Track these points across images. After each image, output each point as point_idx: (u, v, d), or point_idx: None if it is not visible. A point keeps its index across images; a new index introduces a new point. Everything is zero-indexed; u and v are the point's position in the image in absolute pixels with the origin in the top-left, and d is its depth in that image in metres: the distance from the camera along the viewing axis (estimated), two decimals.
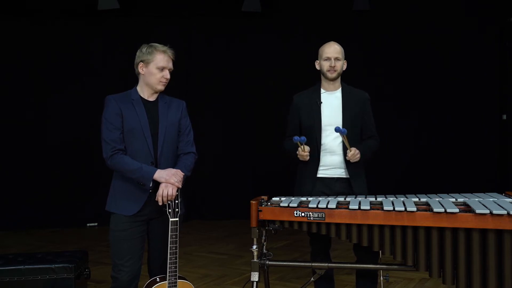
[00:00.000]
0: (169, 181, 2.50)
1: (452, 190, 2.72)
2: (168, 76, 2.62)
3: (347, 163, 2.92)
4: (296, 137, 2.79)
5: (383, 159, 4.54)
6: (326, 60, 2.95)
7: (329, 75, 2.95)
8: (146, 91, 2.65)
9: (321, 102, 2.99)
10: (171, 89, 2.78)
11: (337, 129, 2.75)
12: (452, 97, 6.11)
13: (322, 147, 2.95)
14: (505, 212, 2.15)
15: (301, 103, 3.05)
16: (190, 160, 2.70)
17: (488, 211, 2.17)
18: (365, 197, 2.64)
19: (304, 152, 2.84)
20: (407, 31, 6.12)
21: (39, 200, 6.13)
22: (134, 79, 2.70)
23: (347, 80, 3.07)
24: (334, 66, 2.93)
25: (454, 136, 6.10)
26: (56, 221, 6.16)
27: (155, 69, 2.58)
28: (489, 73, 6.02)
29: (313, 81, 3.10)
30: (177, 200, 2.53)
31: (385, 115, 4.17)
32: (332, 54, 2.93)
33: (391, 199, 2.53)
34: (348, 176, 2.93)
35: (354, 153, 2.81)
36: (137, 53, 2.63)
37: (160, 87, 2.63)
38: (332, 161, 2.94)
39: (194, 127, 2.82)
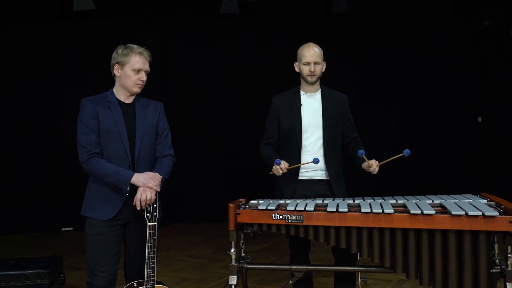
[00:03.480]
0: (147, 185, 2.47)
1: (429, 191, 2.75)
2: (144, 78, 2.59)
3: (328, 165, 2.94)
4: (277, 160, 2.79)
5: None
6: (305, 64, 2.96)
7: (309, 79, 2.97)
8: (122, 93, 2.62)
9: (301, 105, 3.00)
10: (149, 91, 2.76)
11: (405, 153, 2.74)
12: (429, 99, 6.18)
13: (303, 149, 2.95)
14: (480, 213, 2.18)
15: (281, 105, 3.05)
16: (168, 163, 2.68)
17: (463, 212, 2.20)
18: (343, 200, 2.66)
19: (280, 170, 2.82)
20: (384, 34, 6.16)
21: (12, 204, 6.02)
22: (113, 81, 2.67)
23: (325, 83, 3.10)
24: (314, 71, 2.94)
25: (431, 138, 6.16)
26: (30, 225, 6.06)
27: (130, 71, 2.55)
28: (465, 76, 6.10)
29: (293, 83, 3.11)
30: (155, 204, 2.50)
31: (363, 116, 4.22)
32: (311, 58, 2.94)
33: (369, 201, 2.54)
34: (328, 178, 2.94)
35: (376, 166, 2.81)
36: (113, 55, 2.59)
37: (136, 90, 2.60)
38: (306, 164, 2.92)
39: (172, 129, 2.80)
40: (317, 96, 3.03)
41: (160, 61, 5.94)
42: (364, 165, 2.85)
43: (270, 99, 3.10)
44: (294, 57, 3.04)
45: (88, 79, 5.97)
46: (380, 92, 6.26)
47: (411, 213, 2.26)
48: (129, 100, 2.64)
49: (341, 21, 6.13)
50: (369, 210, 2.33)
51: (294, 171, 2.93)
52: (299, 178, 2.95)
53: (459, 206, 2.31)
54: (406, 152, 2.72)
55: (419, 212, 2.26)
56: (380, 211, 2.31)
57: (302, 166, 2.93)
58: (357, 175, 3.35)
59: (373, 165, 2.81)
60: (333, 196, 2.89)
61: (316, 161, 2.82)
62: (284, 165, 2.83)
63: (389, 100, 6.27)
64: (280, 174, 2.85)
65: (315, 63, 2.94)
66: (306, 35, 5.20)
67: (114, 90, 2.64)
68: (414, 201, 2.50)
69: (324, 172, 2.96)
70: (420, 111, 6.20)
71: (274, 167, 2.85)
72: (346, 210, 2.37)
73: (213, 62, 6.52)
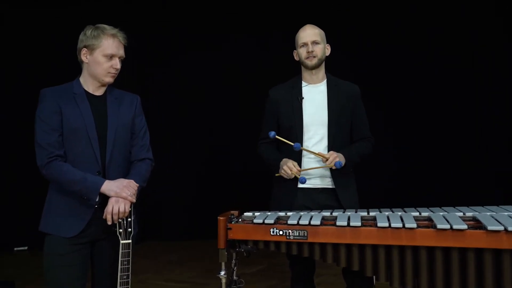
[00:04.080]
0: (120, 194, 2.45)
1: (453, 201, 2.74)
2: (118, 66, 2.56)
3: (334, 171, 2.91)
4: (297, 145, 2.79)
5: (369, 166, 4.60)
6: (302, 46, 2.97)
7: (308, 62, 2.95)
8: (91, 84, 2.58)
9: (303, 98, 2.97)
10: (122, 82, 2.73)
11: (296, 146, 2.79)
12: (451, 98, 6.26)
13: (304, 152, 2.92)
14: None
15: (279, 98, 3.03)
16: (146, 168, 2.66)
17: (502, 228, 2.16)
18: (356, 212, 2.62)
19: (292, 170, 2.81)
20: (383, 34, 6.35)
21: None
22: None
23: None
24: (313, 51, 2.93)
25: (451, 140, 6.25)
26: None
27: (101, 56, 2.51)
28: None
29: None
30: (130, 217, 2.48)
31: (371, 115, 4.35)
32: (308, 37, 2.94)
33: (387, 213, 2.51)
34: (334, 187, 2.92)
35: (332, 159, 2.81)
36: (80, 37, 2.55)
37: (108, 79, 2.56)
38: (316, 169, 2.91)
39: (151, 128, 2.77)
40: (322, 87, 3.01)
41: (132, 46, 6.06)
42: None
43: (264, 97, 3.11)
44: (291, 48, 3.08)
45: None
46: (380, 92, 6.32)
47: (438, 228, 2.22)
48: (99, 92, 2.60)
49: (340, 20, 6.23)
50: (387, 224, 2.29)
51: (293, 179, 2.89)
52: (299, 186, 2.93)
53: (496, 219, 2.26)
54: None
55: (448, 226, 2.21)
56: (401, 225, 2.28)
57: (303, 173, 2.89)
58: (366, 182, 3.35)
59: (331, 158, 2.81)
60: (341, 207, 2.87)
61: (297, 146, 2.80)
62: (296, 167, 2.81)
63: (401, 99, 6.38)
64: (292, 177, 2.82)
65: (314, 42, 2.94)
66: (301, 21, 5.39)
67: (81, 79, 2.59)
68: (441, 213, 2.46)
69: (329, 179, 2.94)
70: (438, 109, 6.31)
71: (284, 167, 2.82)
72: (359, 224, 2.34)
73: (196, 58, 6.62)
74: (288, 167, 2.82)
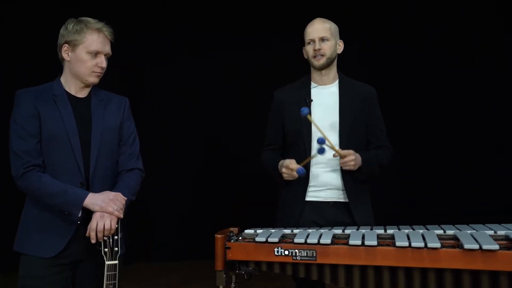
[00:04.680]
0: (106, 209, 2.42)
1: (452, 201, 2.71)
2: (104, 64, 2.55)
3: (347, 182, 2.87)
4: (300, 170, 2.73)
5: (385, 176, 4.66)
6: (309, 43, 2.96)
7: (315, 62, 2.94)
8: (73, 84, 2.57)
9: (311, 100, 2.95)
10: (109, 83, 2.73)
11: (319, 141, 2.72)
12: (451, 98, 6.52)
13: (313, 160, 2.88)
14: None
15: (285, 100, 3.02)
16: (135, 180, 2.66)
17: None
18: (371, 229, 2.58)
19: (291, 166, 2.76)
20: (384, 33, 6.55)
21: None
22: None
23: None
24: (320, 49, 2.90)
25: (451, 140, 6.46)
26: None
27: (85, 54, 2.50)
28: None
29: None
30: (117, 235, 2.45)
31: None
32: (315, 33, 2.92)
33: (406, 231, 2.45)
34: (347, 200, 2.89)
35: (348, 160, 2.74)
36: (61, 31, 2.54)
37: (93, 79, 2.55)
38: (326, 179, 2.89)
39: (141, 134, 2.75)
40: (333, 88, 2.99)
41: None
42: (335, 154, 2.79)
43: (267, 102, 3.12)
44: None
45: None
46: (379, 92, 6.48)
47: (466, 248, 2.17)
48: (82, 94, 2.59)
49: (340, 20, 6.40)
50: (406, 244, 2.25)
51: (300, 190, 2.89)
52: (307, 199, 2.91)
53: None
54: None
55: (477, 246, 2.16)
56: (422, 244, 2.23)
57: (311, 184, 2.90)
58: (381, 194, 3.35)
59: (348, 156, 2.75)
60: (355, 224, 2.83)
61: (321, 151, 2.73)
62: (293, 164, 2.77)
63: (389, 100, 6.47)
64: (296, 175, 2.77)
65: (322, 39, 2.91)
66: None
67: (62, 79, 2.58)
68: (469, 231, 2.40)
69: (341, 192, 2.91)
70: (463, 112, 6.53)
71: (283, 169, 2.79)
72: (375, 243, 2.30)
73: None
74: (286, 167, 2.78)
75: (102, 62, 2.53)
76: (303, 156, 2.88)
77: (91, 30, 2.50)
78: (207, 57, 6.76)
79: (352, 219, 2.87)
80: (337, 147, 2.85)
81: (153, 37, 6.68)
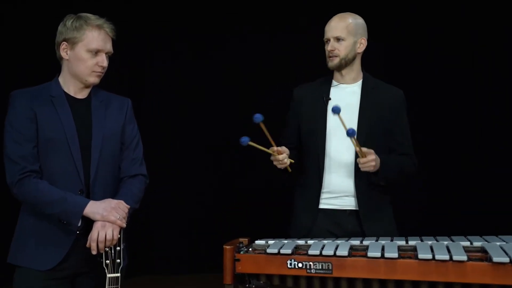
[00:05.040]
0: (107, 218, 2.40)
1: (452, 201, 2.68)
2: (105, 63, 2.53)
3: (359, 189, 2.85)
4: (257, 115, 2.64)
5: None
6: (326, 43, 2.95)
7: (329, 63, 2.94)
8: (72, 85, 2.56)
9: (330, 99, 2.92)
10: (109, 84, 2.71)
11: (350, 132, 2.59)
12: (451, 98, 6.60)
13: (327, 163, 2.86)
14: None
15: (303, 98, 3.01)
16: (138, 187, 2.65)
17: None
18: (391, 240, 2.55)
19: (278, 154, 2.73)
20: (384, 33, 6.52)
21: None
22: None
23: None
24: (333, 50, 2.89)
25: (450, 140, 6.47)
26: None
27: (85, 52, 2.48)
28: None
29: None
30: (119, 246, 2.44)
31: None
32: (330, 33, 2.92)
33: (430, 242, 2.43)
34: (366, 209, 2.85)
35: (368, 160, 2.67)
36: (59, 28, 2.53)
37: (93, 79, 2.53)
38: (342, 185, 2.86)
39: (148, 133, 2.82)
40: (355, 88, 2.97)
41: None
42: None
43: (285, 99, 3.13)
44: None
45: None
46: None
47: (494, 262, 2.15)
48: (82, 95, 2.58)
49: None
50: (430, 256, 2.22)
51: (313, 196, 2.87)
52: (321, 206, 2.89)
53: None
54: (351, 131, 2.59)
55: (507, 260, 2.13)
56: (447, 257, 2.20)
57: (325, 190, 2.88)
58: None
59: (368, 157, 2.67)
60: (374, 234, 2.79)
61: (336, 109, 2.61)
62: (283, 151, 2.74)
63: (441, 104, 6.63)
64: (286, 162, 2.74)
65: (336, 38, 2.89)
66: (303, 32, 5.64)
67: (61, 79, 2.57)
68: (498, 243, 2.37)
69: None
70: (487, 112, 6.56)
71: (274, 162, 2.77)
72: (395, 255, 2.28)
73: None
74: (276, 159, 2.75)
75: (103, 61, 2.52)
76: (316, 160, 2.87)
77: (91, 27, 2.49)
78: (207, 57, 6.84)
79: (370, 229, 2.84)
80: (353, 152, 2.82)
81: (153, 37, 6.76)
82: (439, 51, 6.52)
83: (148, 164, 2.78)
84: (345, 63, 2.92)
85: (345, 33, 2.90)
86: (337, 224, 2.86)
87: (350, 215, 2.86)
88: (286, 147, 2.97)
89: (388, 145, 2.93)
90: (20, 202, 2.51)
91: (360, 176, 2.84)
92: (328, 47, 2.90)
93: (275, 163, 2.77)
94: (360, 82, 2.97)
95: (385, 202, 2.94)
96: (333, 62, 2.91)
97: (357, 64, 2.97)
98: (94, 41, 2.48)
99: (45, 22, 6.25)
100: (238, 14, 6.69)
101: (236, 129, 6.64)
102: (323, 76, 3.09)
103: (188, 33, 6.86)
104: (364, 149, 2.70)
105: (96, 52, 2.50)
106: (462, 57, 6.44)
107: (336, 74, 2.98)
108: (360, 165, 2.73)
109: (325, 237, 2.70)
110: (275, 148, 2.72)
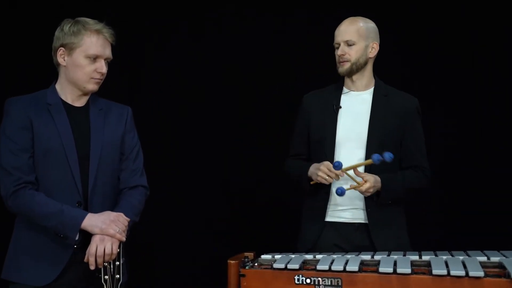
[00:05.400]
0: (106, 231, 2.40)
1: (452, 201, 2.68)
2: (104, 70, 2.53)
3: (369, 202, 2.84)
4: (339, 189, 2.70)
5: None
6: (336, 48, 2.96)
7: (338, 68, 2.94)
8: (69, 92, 2.56)
9: (340, 107, 2.93)
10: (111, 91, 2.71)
11: (339, 192, 2.69)
12: (451, 98, 6.55)
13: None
14: None
15: (313, 106, 3.01)
16: (138, 198, 2.64)
17: None
18: (404, 255, 2.54)
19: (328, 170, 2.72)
20: (384, 33, 6.50)
21: None
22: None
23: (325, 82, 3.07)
24: (343, 55, 2.90)
25: (450, 140, 6.41)
26: None
27: (83, 58, 2.49)
28: None
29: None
30: (119, 261, 2.44)
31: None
32: (340, 37, 2.93)
33: (444, 257, 2.41)
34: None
35: (365, 189, 2.72)
36: (56, 33, 2.53)
37: (92, 86, 2.53)
38: (350, 198, 2.84)
39: (148, 140, 2.78)
40: (366, 95, 2.97)
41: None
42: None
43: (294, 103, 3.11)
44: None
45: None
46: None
47: None
48: (80, 103, 2.58)
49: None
50: (445, 272, 2.22)
51: (320, 208, 2.87)
52: (328, 219, 2.89)
53: None
54: (381, 157, 2.64)
55: None
56: (463, 273, 2.19)
57: (332, 203, 2.89)
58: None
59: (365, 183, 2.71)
60: (385, 249, 2.76)
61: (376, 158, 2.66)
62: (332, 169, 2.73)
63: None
64: (330, 181, 2.75)
65: (347, 42, 2.90)
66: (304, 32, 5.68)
67: (58, 87, 2.58)
68: None
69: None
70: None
71: (318, 173, 2.75)
72: (408, 270, 2.27)
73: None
74: (322, 171, 2.73)
75: (102, 67, 2.52)
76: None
77: (89, 32, 2.49)
78: (207, 58, 6.70)
79: (380, 244, 2.83)
80: (363, 161, 2.82)
81: (153, 37, 6.64)
82: (439, 51, 6.40)
83: (148, 175, 2.78)
84: (356, 68, 2.92)
85: (356, 37, 2.91)
86: (344, 237, 2.86)
87: (359, 229, 2.86)
88: (298, 159, 3.01)
89: (399, 156, 2.91)
90: (15, 215, 2.51)
91: None
92: (339, 52, 2.90)
93: (320, 177, 2.76)
94: (372, 89, 2.97)
95: (397, 214, 2.93)
96: (343, 68, 2.90)
97: (368, 70, 2.97)
98: (93, 46, 2.49)
99: (41, 26, 6.33)
100: (238, 14, 6.58)
101: (233, 129, 6.66)
102: (323, 75, 3.10)
103: (188, 33, 6.74)
104: (357, 179, 2.73)
105: (95, 58, 2.50)
106: (462, 57, 6.32)
107: (347, 80, 2.98)
108: (362, 193, 2.76)
109: (331, 252, 2.69)
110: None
